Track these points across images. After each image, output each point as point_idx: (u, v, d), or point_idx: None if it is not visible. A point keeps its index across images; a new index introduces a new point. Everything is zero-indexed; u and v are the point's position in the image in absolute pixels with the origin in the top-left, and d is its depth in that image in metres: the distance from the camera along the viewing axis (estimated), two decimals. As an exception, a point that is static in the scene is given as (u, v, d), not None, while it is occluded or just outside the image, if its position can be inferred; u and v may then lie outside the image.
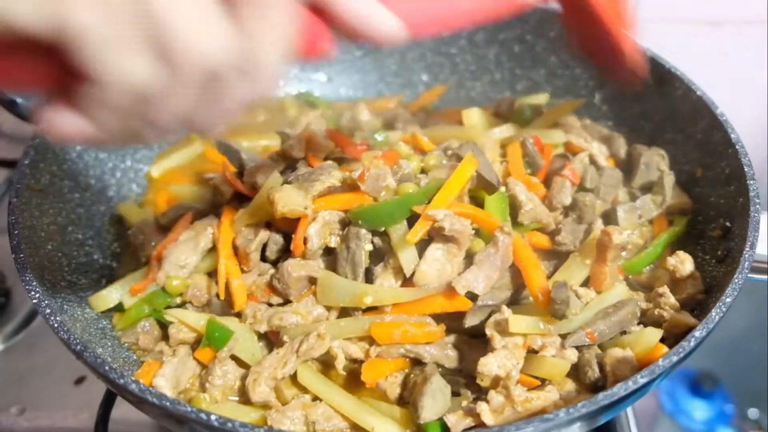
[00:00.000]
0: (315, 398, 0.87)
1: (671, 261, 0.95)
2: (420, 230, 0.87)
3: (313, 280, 0.91)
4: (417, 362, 0.90)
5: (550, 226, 1.00)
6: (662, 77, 1.18)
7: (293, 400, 0.86)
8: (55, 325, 0.79)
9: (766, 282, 1.00)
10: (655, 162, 1.12)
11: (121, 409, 1.09)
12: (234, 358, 0.91)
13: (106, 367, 0.74)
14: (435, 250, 0.89)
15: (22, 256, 0.87)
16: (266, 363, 0.87)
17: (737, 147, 0.99)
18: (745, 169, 0.96)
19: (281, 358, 0.86)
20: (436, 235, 0.88)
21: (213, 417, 0.68)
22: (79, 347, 0.76)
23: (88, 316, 0.97)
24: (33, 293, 0.83)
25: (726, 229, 0.97)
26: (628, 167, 1.15)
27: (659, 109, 1.21)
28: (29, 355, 1.26)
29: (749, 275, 0.91)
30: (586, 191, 1.06)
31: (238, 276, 0.95)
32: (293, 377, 0.88)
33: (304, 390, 0.88)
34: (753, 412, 2.38)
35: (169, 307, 0.97)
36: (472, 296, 0.86)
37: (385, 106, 1.39)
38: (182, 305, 0.98)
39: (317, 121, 1.27)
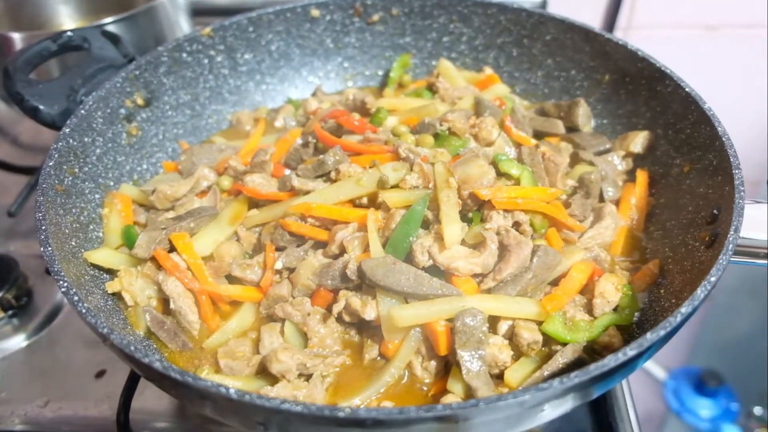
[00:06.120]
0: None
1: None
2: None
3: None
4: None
5: None
6: (653, 75, 1.23)
7: None
8: (83, 311, 0.84)
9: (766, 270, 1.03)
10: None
11: (141, 400, 1.15)
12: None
13: (132, 348, 0.79)
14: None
15: (50, 249, 0.92)
16: None
17: (723, 139, 1.04)
18: (731, 160, 1.00)
19: None
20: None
21: (232, 391, 0.73)
22: (105, 330, 0.81)
23: (110, 307, 1.03)
24: (62, 282, 0.88)
25: (714, 216, 1.01)
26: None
27: (651, 106, 1.26)
28: (51, 350, 1.31)
29: (751, 261, 0.96)
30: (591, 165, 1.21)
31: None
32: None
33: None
34: (758, 410, 2.41)
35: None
36: None
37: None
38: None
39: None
